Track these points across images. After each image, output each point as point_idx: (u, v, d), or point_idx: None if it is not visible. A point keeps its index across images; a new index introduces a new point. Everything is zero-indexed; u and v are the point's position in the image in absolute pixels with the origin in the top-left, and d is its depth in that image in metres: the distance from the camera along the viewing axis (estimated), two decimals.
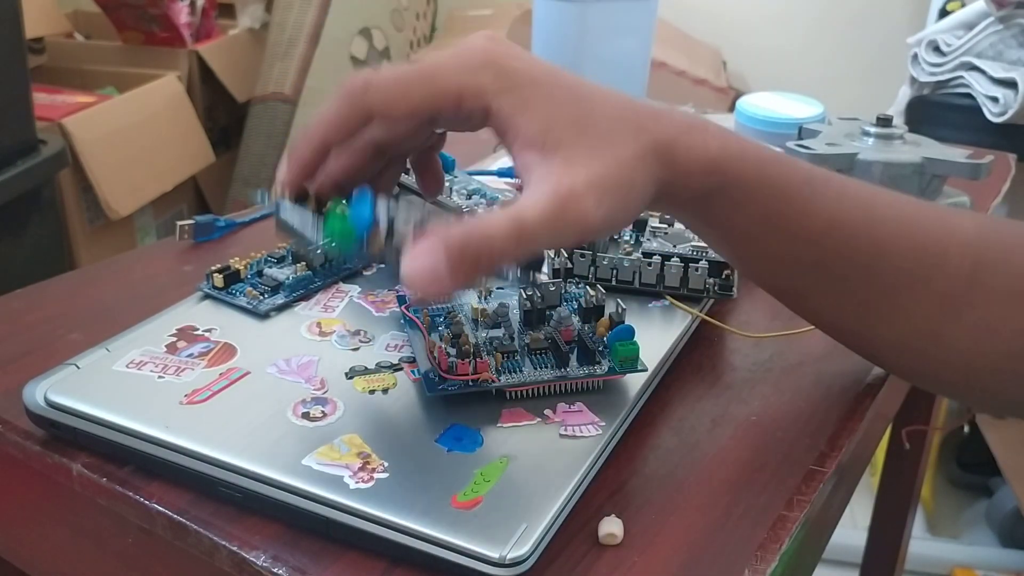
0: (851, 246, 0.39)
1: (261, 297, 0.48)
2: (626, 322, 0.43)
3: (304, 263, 0.50)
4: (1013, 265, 0.39)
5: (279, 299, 0.48)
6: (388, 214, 0.35)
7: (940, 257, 0.39)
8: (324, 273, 0.51)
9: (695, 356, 0.49)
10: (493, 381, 0.41)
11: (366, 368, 0.43)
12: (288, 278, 0.49)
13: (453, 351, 0.41)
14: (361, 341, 0.45)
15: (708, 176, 0.38)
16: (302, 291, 0.49)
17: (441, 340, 0.43)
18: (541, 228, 0.34)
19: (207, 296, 0.49)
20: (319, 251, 0.42)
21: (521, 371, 0.41)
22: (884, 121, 0.63)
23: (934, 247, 0.40)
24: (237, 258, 0.50)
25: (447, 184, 0.56)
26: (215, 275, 0.49)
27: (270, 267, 0.51)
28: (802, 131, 0.66)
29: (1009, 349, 0.39)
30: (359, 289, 0.51)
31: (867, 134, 0.63)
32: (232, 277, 0.49)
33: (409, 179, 0.47)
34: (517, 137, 0.36)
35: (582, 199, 0.34)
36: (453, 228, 0.33)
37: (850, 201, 0.40)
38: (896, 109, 1.30)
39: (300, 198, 0.39)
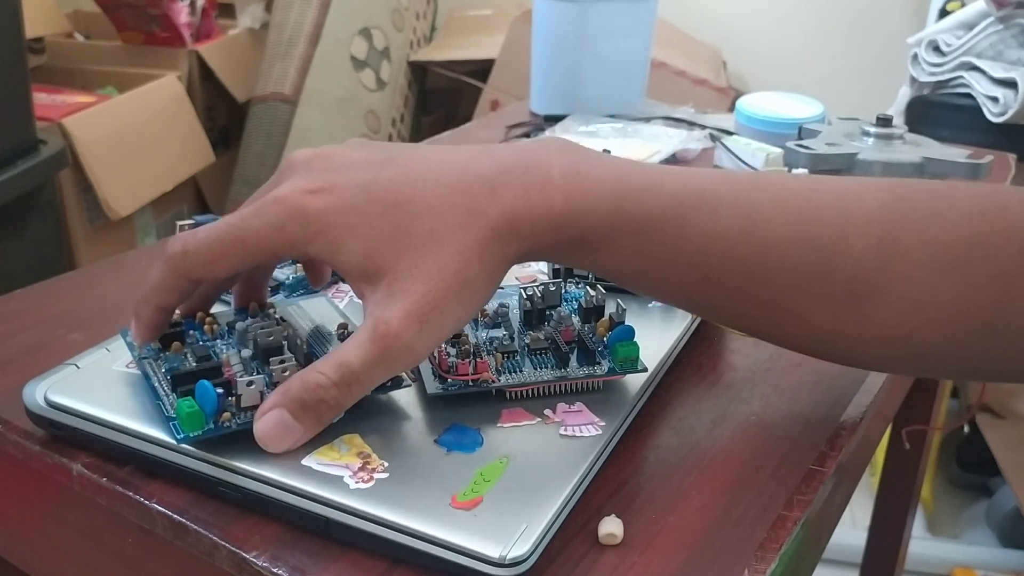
0: (734, 256, 0.38)
1: None
2: (626, 322, 0.43)
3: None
4: (928, 235, 0.38)
5: (279, 299, 0.48)
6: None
7: (839, 243, 0.38)
8: None
9: (695, 356, 0.49)
10: (493, 381, 0.41)
11: None
12: (288, 278, 0.49)
13: (453, 351, 0.41)
14: None
15: (560, 232, 0.37)
16: (302, 291, 0.49)
17: None
18: (366, 370, 0.36)
19: None
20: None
21: (521, 371, 0.41)
22: (884, 121, 0.63)
23: (830, 235, 0.38)
24: None
25: None
26: None
27: None
28: (802, 131, 0.66)
29: (942, 317, 0.38)
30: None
31: (867, 134, 0.63)
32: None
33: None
34: (345, 273, 0.37)
35: (401, 334, 0.35)
36: (290, 384, 0.36)
37: (726, 211, 0.38)
38: (896, 109, 1.30)
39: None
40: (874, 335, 0.39)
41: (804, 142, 0.62)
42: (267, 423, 0.36)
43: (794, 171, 0.63)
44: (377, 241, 0.36)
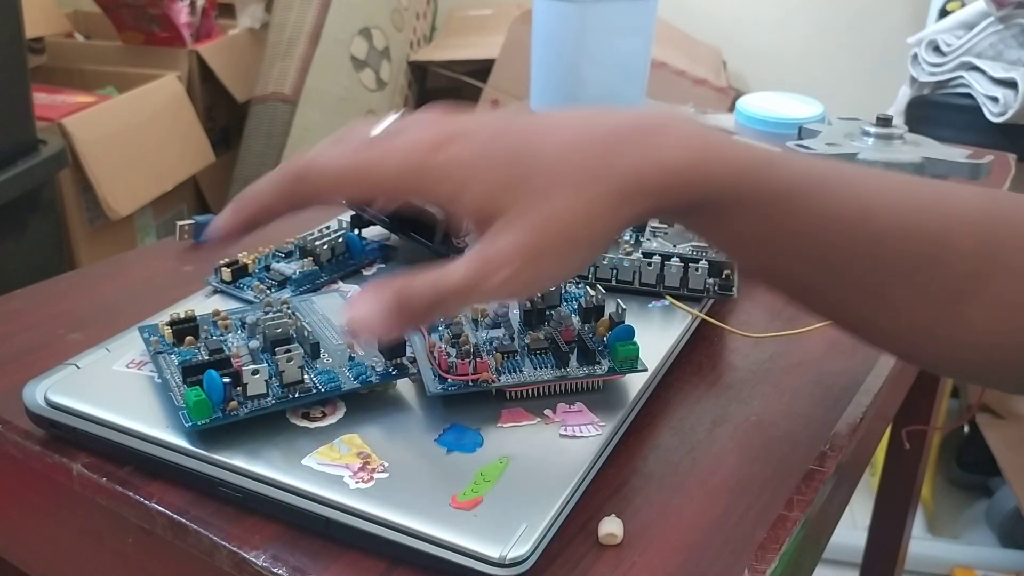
0: (851, 238, 0.39)
1: (268, 292, 0.48)
2: (626, 322, 0.43)
3: (311, 258, 0.51)
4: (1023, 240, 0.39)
5: (286, 294, 0.48)
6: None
7: (946, 236, 0.39)
8: (331, 268, 0.51)
9: (695, 356, 0.49)
10: (493, 381, 0.41)
11: None
12: (295, 273, 0.50)
13: (453, 351, 0.41)
14: None
15: (687, 192, 0.37)
16: (308, 286, 0.50)
17: (441, 340, 0.43)
18: (458, 293, 0.36)
19: (216, 291, 0.49)
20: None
21: (521, 371, 0.41)
22: (884, 121, 0.63)
23: (938, 229, 0.39)
24: (245, 252, 0.51)
25: None
26: (223, 269, 0.49)
27: (278, 262, 0.51)
28: (802, 131, 0.66)
29: None
30: (359, 289, 0.51)
31: (867, 134, 0.63)
32: (240, 271, 0.49)
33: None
34: (465, 215, 0.37)
35: (500, 269, 0.35)
36: (391, 282, 0.36)
37: (846, 193, 0.39)
38: (896, 109, 1.30)
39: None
40: (963, 338, 0.40)
41: (804, 142, 0.62)
42: (360, 308, 0.36)
43: None
44: (496, 190, 0.36)
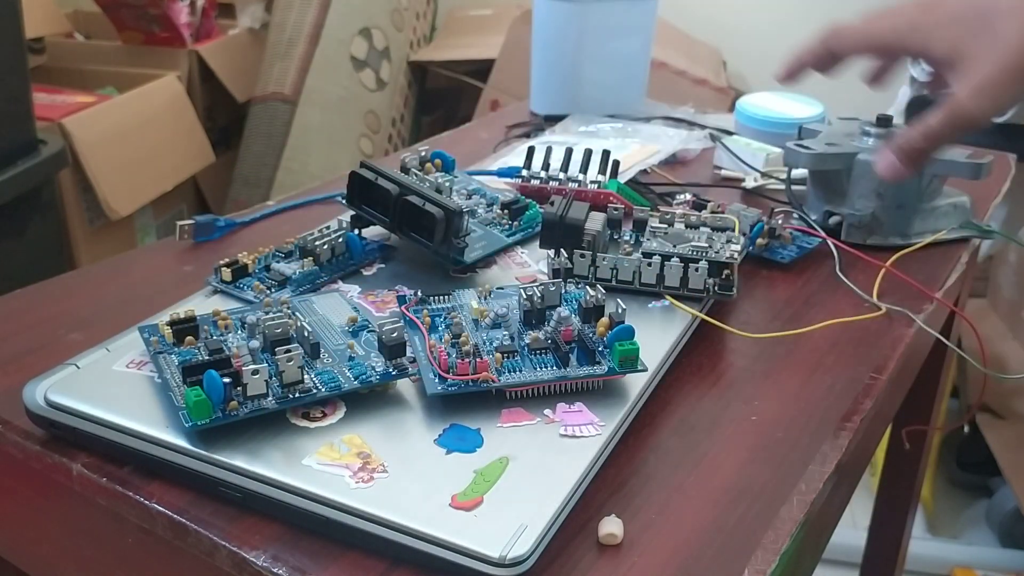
0: None
1: (268, 292, 0.48)
2: (626, 322, 0.43)
3: (311, 258, 0.51)
4: None
5: (285, 294, 0.48)
6: None
7: None
8: (331, 268, 0.51)
9: (695, 356, 0.49)
10: (493, 381, 0.41)
11: None
12: (295, 273, 0.50)
13: (453, 351, 0.41)
14: None
15: None
16: (308, 286, 0.50)
17: (441, 340, 0.43)
18: (942, 129, 0.54)
19: (216, 291, 0.49)
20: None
21: (521, 371, 0.41)
22: (884, 121, 0.63)
23: None
24: (245, 252, 0.51)
25: (447, 184, 0.56)
26: (223, 269, 0.49)
27: (278, 262, 0.51)
28: (802, 131, 0.66)
29: None
30: (359, 289, 0.51)
31: (867, 134, 0.63)
32: (240, 271, 0.49)
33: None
34: (934, 63, 0.56)
35: (965, 103, 0.52)
36: (896, 137, 0.56)
37: None
38: (896, 109, 1.29)
39: None
40: None
41: (804, 142, 0.62)
42: (882, 161, 0.56)
43: (794, 171, 0.63)
44: (966, 38, 0.52)
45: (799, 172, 0.64)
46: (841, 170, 0.61)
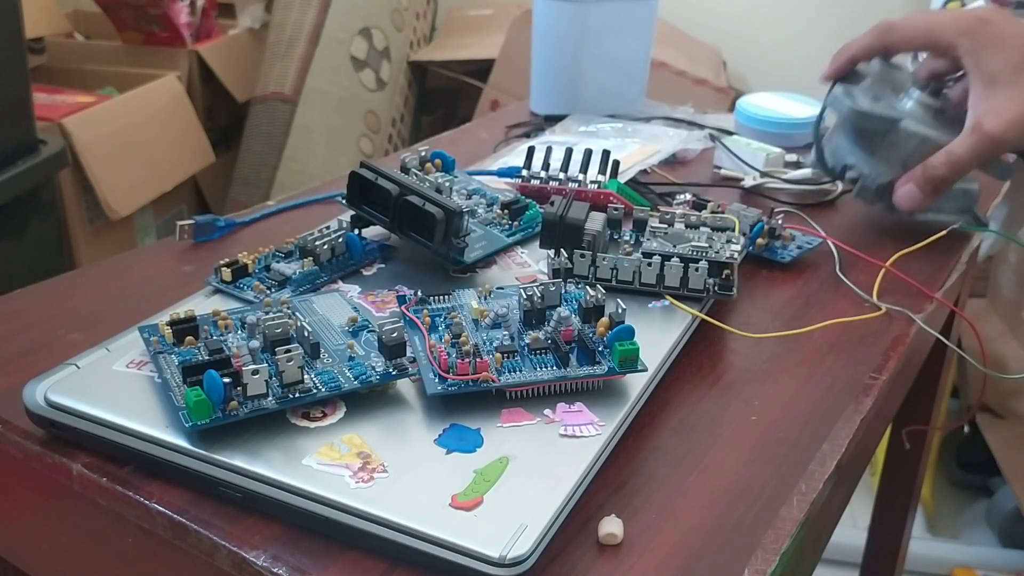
0: None
1: (268, 292, 0.48)
2: (626, 322, 0.43)
3: (311, 258, 0.51)
4: None
5: (285, 294, 0.48)
6: None
7: None
8: (331, 268, 0.51)
9: (695, 356, 0.49)
10: (493, 381, 0.41)
11: None
12: (295, 273, 0.50)
13: (453, 351, 0.41)
14: None
15: None
16: (308, 286, 0.50)
17: (441, 340, 0.43)
18: (966, 157, 0.56)
19: (216, 291, 0.49)
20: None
21: (521, 371, 0.41)
22: (935, 90, 0.62)
23: None
24: (245, 252, 0.51)
25: (447, 184, 0.56)
26: (223, 269, 0.49)
27: (278, 262, 0.51)
28: (853, 74, 0.63)
29: None
30: (359, 289, 0.51)
31: (911, 97, 0.62)
32: (240, 271, 0.49)
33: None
34: (974, 74, 0.57)
35: (991, 131, 0.55)
36: (918, 168, 0.58)
37: None
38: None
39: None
40: None
41: (852, 89, 0.61)
42: (902, 192, 0.58)
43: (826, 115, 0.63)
44: (1007, 66, 0.55)
45: (832, 117, 0.63)
46: (878, 131, 0.61)
